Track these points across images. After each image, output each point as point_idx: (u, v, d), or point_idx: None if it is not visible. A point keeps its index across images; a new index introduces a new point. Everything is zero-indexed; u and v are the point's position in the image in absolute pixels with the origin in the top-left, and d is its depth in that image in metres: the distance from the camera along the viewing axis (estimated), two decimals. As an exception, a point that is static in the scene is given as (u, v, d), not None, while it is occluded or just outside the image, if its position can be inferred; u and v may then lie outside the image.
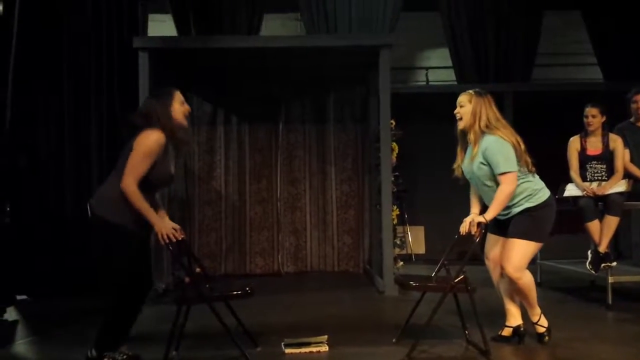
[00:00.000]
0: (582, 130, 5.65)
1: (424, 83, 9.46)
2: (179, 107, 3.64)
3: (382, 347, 4.09)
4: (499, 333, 4.17)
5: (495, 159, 3.85)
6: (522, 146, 3.94)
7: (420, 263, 8.36)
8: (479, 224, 3.84)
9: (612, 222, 5.33)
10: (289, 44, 6.69)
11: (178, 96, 3.67)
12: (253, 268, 7.90)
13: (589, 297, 5.84)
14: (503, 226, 4.04)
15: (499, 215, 3.91)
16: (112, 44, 6.59)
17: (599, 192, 5.36)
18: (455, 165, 4.15)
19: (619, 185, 5.39)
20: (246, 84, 7.79)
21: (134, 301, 3.65)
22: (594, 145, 5.59)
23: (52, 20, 6.45)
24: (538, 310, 4.10)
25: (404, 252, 8.43)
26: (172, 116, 3.59)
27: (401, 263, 6.62)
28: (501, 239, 4.08)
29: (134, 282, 3.59)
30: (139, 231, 3.56)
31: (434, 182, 8.38)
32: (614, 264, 5.42)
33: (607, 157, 5.54)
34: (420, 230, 9.07)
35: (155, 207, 3.65)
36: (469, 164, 4.01)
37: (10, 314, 5.42)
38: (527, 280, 3.94)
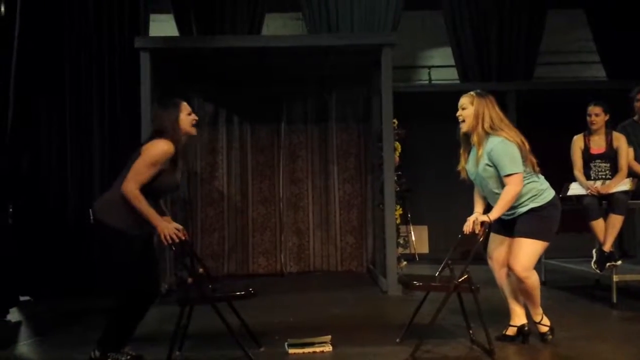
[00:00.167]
0: (586, 129, 5.63)
1: (427, 82, 9.46)
2: (185, 118, 3.70)
3: (385, 347, 4.08)
4: (503, 332, 4.16)
5: (501, 161, 3.83)
6: (527, 146, 3.93)
7: (423, 262, 8.33)
8: (482, 223, 3.83)
9: (616, 221, 5.31)
10: (290, 44, 6.68)
11: (185, 107, 3.74)
12: (256, 268, 7.90)
13: (594, 296, 5.83)
14: (508, 226, 4.03)
15: (503, 215, 3.90)
16: (114, 44, 6.58)
17: (603, 191, 5.34)
18: (459, 167, 4.13)
19: (623, 184, 5.37)
20: (248, 84, 7.79)
21: (139, 304, 3.64)
22: (598, 144, 5.58)
23: (53, 20, 6.45)
24: (541, 310, 4.10)
25: (407, 251, 8.44)
26: (180, 126, 3.67)
27: (404, 263, 6.60)
28: (506, 239, 4.07)
29: (139, 285, 3.59)
30: (141, 235, 3.57)
31: (437, 181, 8.38)
32: (619, 262, 5.40)
33: (610, 155, 5.52)
34: (423, 230, 9.06)
35: (161, 213, 3.67)
36: (473, 165, 3.99)
37: (13, 315, 5.42)
38: (534, 279, 3.93)
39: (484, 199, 4.13)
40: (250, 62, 7.06)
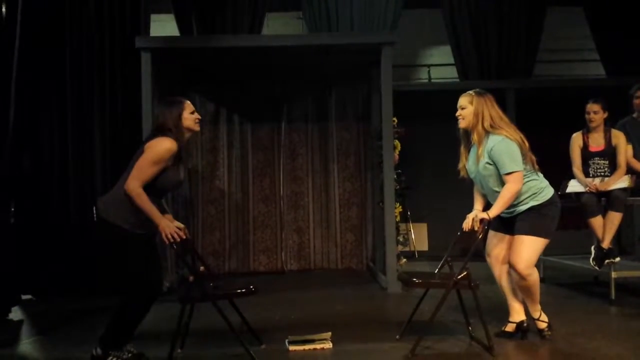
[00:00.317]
0: (584, 127, 5.65)
1: (426, 80, 9.46)
2: (189, 116, 3.74)
3: (385, 343, 4.10)
4: (502, 329, 4.19)
5: (501, 159, 3.85)
6: (527, 144, 3.95)
7: (423, 260, 8.36)
8: (482, 220, 3.85)
9: (615, 218, 5.33)
10: (291, 43, 6.69)
11: (188, 106, 3.77)
12: (257, 266, 7.92)
13: (593, 293, 5.84)
14: (507, 224, 4.05)
15: (503, 213, 3.92)
16: (115, 44, 6.60)
17: (602, 188, 5.37)
18: (460, 166, 4.14)
19: (621, 181, 5.39)
20: (248, 83, 7.80)
21: (142, 302, 3.65)
22: (596, 141, 5.60)
23: (54, 21, 6.46)
24: (539, 306, 4.12)
25: (407, 249, 8.44)
26: (183, 124, 3.70)
27: (404, 260, 6.62)
28: (505, 237, 4.09)
29: (141, 284, 3.61)
30: (144, 234, 3.59)
31: (436, 179, 8.39)
32: (617, 259, 5.43)
33: (609, 153, 5.54)
34: (423, 227, 9.08)
35: (162, 211, 3.69)
36: (474, 164, 4.01)
37: (15, 314, 5.45)
38: (535, 277, 3.97)
39: (484, 196, 4.15)
40: (251, 61, 7.07)
